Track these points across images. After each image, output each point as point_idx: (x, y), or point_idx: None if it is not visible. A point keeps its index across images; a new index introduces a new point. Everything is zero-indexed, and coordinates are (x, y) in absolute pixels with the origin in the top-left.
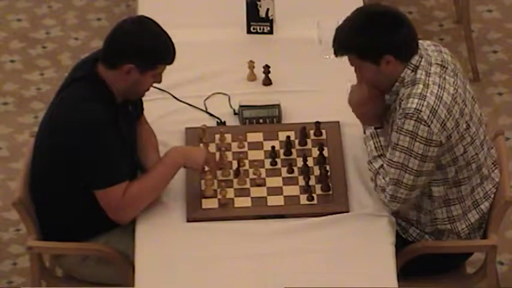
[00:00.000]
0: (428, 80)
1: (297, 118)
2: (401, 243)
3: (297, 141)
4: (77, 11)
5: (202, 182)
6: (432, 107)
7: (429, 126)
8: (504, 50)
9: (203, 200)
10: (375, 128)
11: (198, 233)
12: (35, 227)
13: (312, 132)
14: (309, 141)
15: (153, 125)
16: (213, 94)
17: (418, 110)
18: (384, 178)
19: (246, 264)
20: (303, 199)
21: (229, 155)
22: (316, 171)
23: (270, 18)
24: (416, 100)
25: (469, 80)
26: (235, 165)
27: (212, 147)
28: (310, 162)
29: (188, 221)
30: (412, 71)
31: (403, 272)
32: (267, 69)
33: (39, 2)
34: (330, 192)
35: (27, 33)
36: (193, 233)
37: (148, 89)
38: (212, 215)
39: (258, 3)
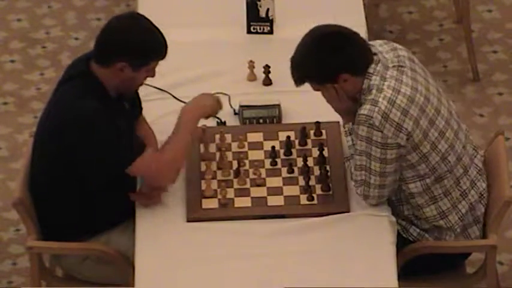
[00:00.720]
0: (383, 85)
1: (297, 118)
2: (402, 243)
3: (297, 141)
4: (77, 11)
5: (203, 182)
6: (384, 112)
7: (382, 131)
8: (504, 50)
9: (203, 200)
10: (352, 124)
11: (198, 233)
12: (35, 227)
13: (312, 132)
14: (309, 141)
15: (153, 125)
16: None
17: (369, 116)
18: (354, 180)
19: (246, 264)
20: (303, 199)
21: (229, 155)
22: (316, 171)
23: (270, 18)
24: (368, 106)
25: (471, 78)
26: (235, 165)
27: (212, 147)
28: (310, 162)
29: (188, 221)
30: (369, 79)
31: (403, 272)
32: (267, 69)
33: (39, 2)
34: (330, 192)
35: (27, 33)
36: (193, 233)
37: (142, 84)
38: (212, 215)
39: (258, 3)
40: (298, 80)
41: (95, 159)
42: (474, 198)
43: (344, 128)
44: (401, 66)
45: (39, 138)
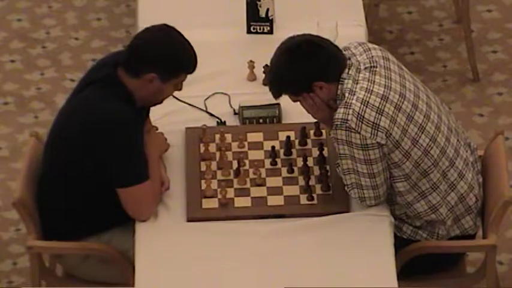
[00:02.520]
0: (356, 87)
1: (297, 118)
2: (396, 242)
3: (297, 141)
4: (77, 11)
5: (203, 182)
6: (358, 113)
7: (359, 133)
8: (504, 50)
9: (203, 200)
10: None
11: (198, 233)
12: (35, 227)
13: (312, 132)
14: (309, 141)
15: (154, 125)
16: (213, 94)
17: (344, 119)
18: (345, 184)
19: (246, 264)
20: (303, 199)
21: (229, 155)
22: (316, 171)
23: (270, 18)
24: (342, 110)
25: (471, 78)
26: (235, 165)
27: (212, 147)
28: (310, 162)
29: (188, 221)
30: (343, 84)
31: (403, 271)
32: (267, 69)
33: (39, 2)
34: (330, 192)
35: (27, 33)
36: (193, 233)
37: (167, 97)
38: (212, 215)
39: (258, 3)
40: (276, 93)
41: (109, 164)
42: (464, 189)
43: (330, 135)
44: (373, 67)
45: (55, 137)
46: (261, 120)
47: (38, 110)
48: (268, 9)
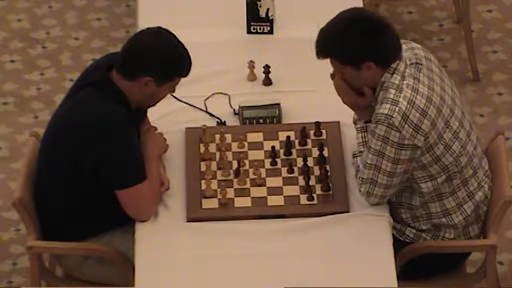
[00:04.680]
0: (402, 84)
1: (297, 118)
2: (399, 246)
3: (297, 141)
4: (77, 11)
5: (203, 182)
6: (404, 112)
7: (400, 132)
8: (504, 50)
9: (203, 200)
10: (364, 122)
11: (198, 233)
12: (35, 227)
13: (312, 132)
14: (309, 141)
15: (153, 125)
16: (213, 94)
17: (389, 115)
18: (360, 177)
19: (246, 264)
20: (303, 199)
21: (229, 155)
22: (316, 171)
23: (270, 18)
24: (388, 105)
25: (471, 78)
26: (235, 165)
27: (212, 147)
28: (310, 162)
29: (188, 221)
30: (391, 74)
31: (403, 272)
32: (267, 69)
33: (39, 2)
34: (330, 192)
35: (27, 33)
36: (193, 233)
37: (162, 99)
38: (212, 215)
39: (258, 3)
40: (321, 53)
41: (104, 165)
42: (480, 199)
43: (356, 124)
44: (419, 64)
45: (50, 139)
46: (261, 120)
47: (38, 110)
48: (268, 9)
